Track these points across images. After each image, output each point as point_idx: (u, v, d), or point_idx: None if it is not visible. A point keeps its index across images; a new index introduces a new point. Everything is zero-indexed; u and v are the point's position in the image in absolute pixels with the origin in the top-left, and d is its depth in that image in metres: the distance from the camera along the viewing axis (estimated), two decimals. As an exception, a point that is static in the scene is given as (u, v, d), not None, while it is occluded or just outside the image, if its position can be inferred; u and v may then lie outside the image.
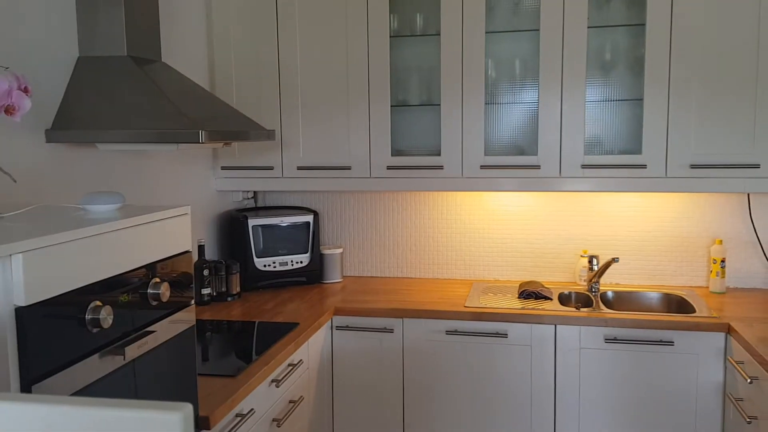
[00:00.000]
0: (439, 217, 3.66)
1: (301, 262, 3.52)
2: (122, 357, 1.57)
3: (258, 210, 3.68)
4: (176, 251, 1.80)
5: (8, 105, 1.66)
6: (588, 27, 3.06)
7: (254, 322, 2.90)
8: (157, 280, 1.69)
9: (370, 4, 3.22)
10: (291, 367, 2.62)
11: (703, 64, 2.97)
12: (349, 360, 3.13)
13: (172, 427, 0.71)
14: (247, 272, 3.43)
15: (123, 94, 2.30)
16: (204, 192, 3.41)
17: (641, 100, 3.06)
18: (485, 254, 3.62)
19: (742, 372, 2.54)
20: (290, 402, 2.62)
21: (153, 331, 1.69)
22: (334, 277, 3.62)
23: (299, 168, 3.38)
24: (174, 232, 1.78)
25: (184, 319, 1.84)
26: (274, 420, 2.45)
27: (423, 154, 3.34)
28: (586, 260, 3.41)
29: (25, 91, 1.69)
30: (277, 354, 2.48)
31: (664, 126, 3.02)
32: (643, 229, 3.44)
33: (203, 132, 2.21)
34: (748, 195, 3.32)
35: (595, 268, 3.29)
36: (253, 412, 2.24)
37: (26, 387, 1.29)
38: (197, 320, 2.89)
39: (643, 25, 3.03)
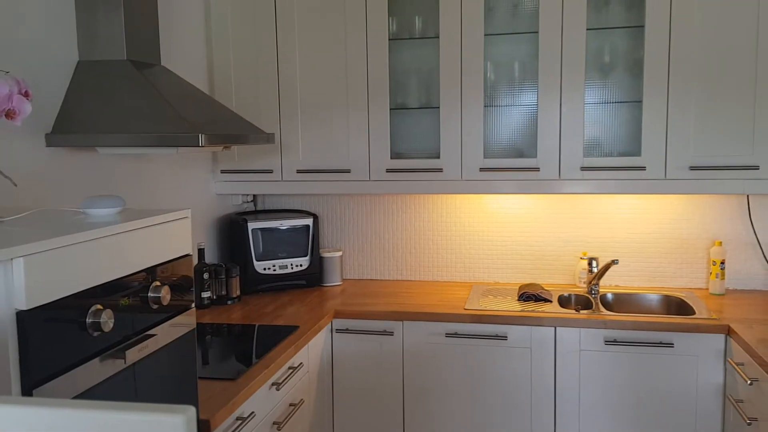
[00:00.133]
0: (438, 220, 3.66)
1: (301, 266, 3.53)
2: (123, 360, 1.57)
3: (257, 213, 3.68)
4: (176, 255, 1.80)
5: (9, 109, 1.66)
6: (587, 29, 3.06)
7: (254, 326, 2.90)
8: (158, 283, 1.69)
9: (369, 7, 3.23)
10: (291, 371, 2.62)
11: (702, 66, 2.97)
12: (349, 363, 3.13)
13: (176, 429, 0.71)
14: (247, 275, 3.43)
15: (123, 97, 2.31)
16: (204, 195, 3.41)
17: (640, 102, 3.07)
18: (485, 257, 3.62)
19: (742, 374, 2.54)
20: (290, 405, 2.62)
21: (154, 335, 1.69)
22: (333, 280, 3.62)
23: (299, 171, 3.38)
24: (174, 236, 1.78)
25: (185, 322, 1.84)
26: (274, 423, 2.45)
27: (422, 156, 3.34)
28: (585, 262, 3.41)
29: (26, 95, 1.69)
30: (277, 357, 2.48)
31: (664, 128, 3.03)
32: (642, 231, 3.44)
33: (203, 136, 2.21)
34: (748, 196, 3.32)
35: (595, 270, 3.29)
36: (253, 415, 2.24)
37: (27, 391, 1.29)
38: (197, 324, 2.89)
39: (642, 27, 3.04)
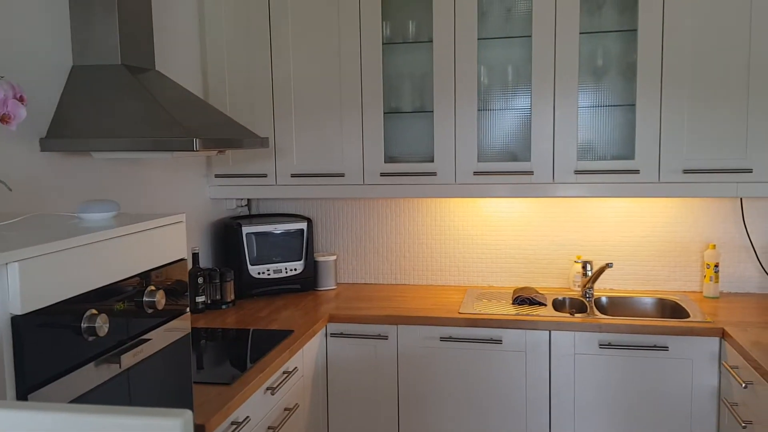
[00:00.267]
0: (432, 224, 3.67)
1: (295, 270, 3.52)
2: (118, 365, 1.56)
3: (252, 217, 3.68)
4: (171, 259, 1.79)
5: (3, 114, 1.66)
6: (580, 33, 3.07)
7: (249, 330, 2.90)
8: (153, 288, 1.69)
9: (363, 11, 3.23)
10: (286, 375, 2.62)
11: (694, 69, 2.99)
12: (343, 367, 3.13)
13: (173, 433, 0.71)
14: (242, 280, 3.42)
15: (117, 102, 2.30)
16: (198, 200, 3.41)
17: (634, 105, 3.08)
18: (479, 260, 3.63)
19: (737, 377, 2.55)
20: (285, 409, 2.62)
21: (148, 339, 1.68)
22: (328, 284, 3.62)
23: (293, 175, 3.38)
24: (169, 240, 1.78)
25: (180, 327, 1.84)
26: (269, 428, 2.45)
27: (416, 160, 3.34)
28: (579, 266, 3.42)
29: (21, 100, 1.69)
30: (272, 361, 2.47)
31: (657, 131, 3.04)
32: (636, 234, 3.45)
33: (197, 140, 2.21)
34: (741, 200, 3.33)
35: (589, 273, 3.30)
36: (248, 419, 2.23)
37: (22, 395, 1.29)
38: (192, 328, 2.88)
39: (635, 30, 3.05)
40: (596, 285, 3.48)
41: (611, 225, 3.47)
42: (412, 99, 3.42)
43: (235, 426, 2.15)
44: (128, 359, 1.60)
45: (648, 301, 3.32)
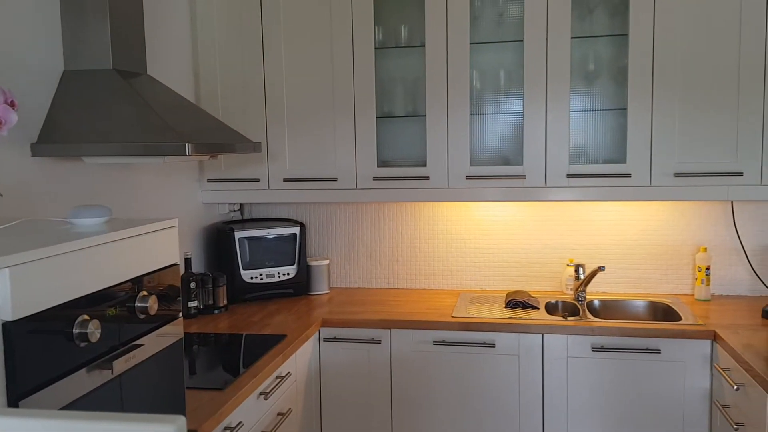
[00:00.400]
0: (425, 228, 3.67)
1: (288, 274, 3.52)
2: (110, 371, 1.56)
3: (244, 222, 3.67)
4: (163, 264, 1.79)
5: (-6, 119, 1.65)
6: (571, 37, 3.08)
7: (241, 335, 2.89)
8: (145, 293, 1.68)
9: (355, 15, 3.24)
10: (279, 380, 2.61)
11: (685, 73, 3.00)
12: (336, 371, 3.12)
13: (166, 439, 0.71)
14: (234, 285, 3.42)
15: (109, 107, 2.30)
16: (190, 204, 3.40)
17: (625, 109, 3.09)
18: (472, 264, 3.63)
19: (729, 379, 2.55)
20: (278, 414, 2.61)
21: (141, 345, 1.68)
22: (321, 288, 3.62)
23: (285, 180, 3.38)
24: (161, 245, 1.77)
25: (172, 332, 1.83)
26: (262, 433, 2.44)
27: (409, 165, 3.35)
28: (572, 269, 3.43)
29: (12, 105, 1.68)
30: (264, 366, 2.47)
31: (648, 135, 3.05)
32: (628, 238, 3.46)
33: (190, 145, 2.20)
34: (732, 203, 3.35)
35: (582, 276, 3.30)
36: (241, 425, 2.23)
37: (13, 402, 1.28)
38: (184, 333, 2.87)
39: (626, 35, 3.06)
40: (589, 288, 3.48)
41: (603, 228, 3.48)
42: (405, 103, 3.43)
43: (228, 431, 2.15)
44: (120, 365, 1.59)
45: (640, 304, 3.33)
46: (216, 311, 3.27)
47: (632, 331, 2.86)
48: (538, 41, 3.09)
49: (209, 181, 3.46)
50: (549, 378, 2.95)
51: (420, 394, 3.07)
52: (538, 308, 3.17)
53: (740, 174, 2.99)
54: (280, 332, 2.90)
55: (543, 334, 2.95)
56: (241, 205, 3.86)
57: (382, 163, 3.38)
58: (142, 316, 1.67)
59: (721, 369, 2.66)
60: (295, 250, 3.53)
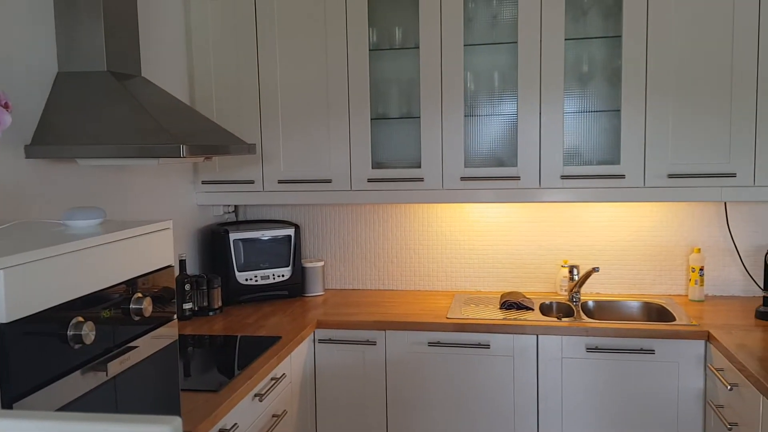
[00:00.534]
0: (420, 229, 3.67)
1: (283, 276, 3.52)
2: (105, 373, 1.55)
3: (239, 224, 3.67)
4: (158, 266, 1.79)
5: (-12, 121, 1.65)
6: (565, 39, 3.09)
7: (236, 337, 2.89)
8: (140, 295, 1.68)
9: (349, 17, 3.24)
10: (274, 381, 2.61)
11: (679, 75, 3.01)
12: (331, 373, 3.12)
13: (161, 440, 0.71)
14: (229, 286, 3.41)
15: (103, 109, 2.29)
16: (185, 206, 3.40)
17: (619, 111, 3.10)
18: (466, 266, 3.63)
19: (722, 379, 2.56)
20: (273, 416, 2.61)
21: (135, 347, 1.68)
22: (315, 290, 3.62)
23: (280, 181, 3.38)
24: (156, 247, 1.77)
25: (167, 334, 1.83)
26: (257, 435, 2.44)
27: (403, 166, 3.35)
28: (566, 270, 3.43)
29: (5, 106, 1.68)
30: (259, 368, 2.47)
31: (642, 136, 3.06)
32: (622, 239, 3.47)
33: (184, 147, 2.20)
34: (725, 204, 3.36)
35: (576, 277, 3.31)
36: (236, 426, 2.23)
37: (7, 404, 1.28)
38: (179, 335, 2.87)
39: (620, 37, 3.07)
40: (583, 289, 3.49)
41: (597, 229, 3.49)
42: (399, 105, 3.43)
43: (222, 433, 2.15)
44: (115, 367, 1.59)
45: (634, 304, 3.34)
46: (211, 313, 3.27)
47: (626, 332, 2.86)
48: (532, 43, 3.10)
49: (204, 182, 3.46)
50: (543, 379, 2.96)
51: (415, 396, 3.07)
52: (533, 309, 3.17)
53: (733, 175, 3.00)
54: (275, 334, 2.90)
55: (537, 335, 2.95)
56: (235, 206, 3.86)
57: (376, 164, 3.38)
58: (136, 318, 1.67)
59: (715, 369, 2.67)
60: (289, 251, 3.53)
